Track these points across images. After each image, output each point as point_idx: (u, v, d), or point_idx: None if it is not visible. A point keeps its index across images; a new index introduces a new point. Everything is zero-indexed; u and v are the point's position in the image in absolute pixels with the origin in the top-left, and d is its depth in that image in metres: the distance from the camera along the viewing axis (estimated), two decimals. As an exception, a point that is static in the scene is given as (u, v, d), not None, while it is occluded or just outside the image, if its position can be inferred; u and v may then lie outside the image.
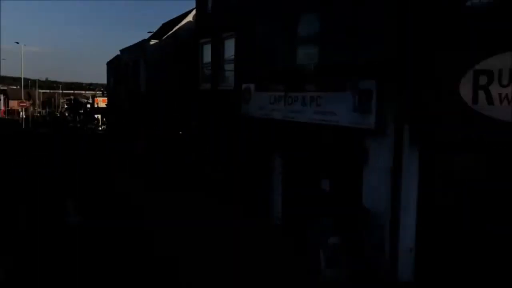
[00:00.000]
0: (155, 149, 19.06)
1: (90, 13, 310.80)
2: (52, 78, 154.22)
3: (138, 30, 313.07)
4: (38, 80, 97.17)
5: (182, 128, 19.00)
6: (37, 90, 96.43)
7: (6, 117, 67.52)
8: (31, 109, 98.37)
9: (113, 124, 32.69)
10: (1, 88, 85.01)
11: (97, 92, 79.65)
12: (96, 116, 56.50)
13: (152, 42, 22.40)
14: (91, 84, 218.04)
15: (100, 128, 49.78)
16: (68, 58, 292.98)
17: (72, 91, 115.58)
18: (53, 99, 66.30)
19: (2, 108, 68.14)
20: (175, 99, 19.96)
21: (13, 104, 78.64)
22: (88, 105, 63.88)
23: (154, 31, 27.40)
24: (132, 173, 17.72)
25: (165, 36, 22.68)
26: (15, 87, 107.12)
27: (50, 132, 41.82)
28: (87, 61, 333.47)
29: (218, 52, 14.46)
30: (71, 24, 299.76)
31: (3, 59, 57.84)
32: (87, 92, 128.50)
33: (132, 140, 22.19)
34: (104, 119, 47.93)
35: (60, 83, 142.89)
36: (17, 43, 79.82)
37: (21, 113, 52.78)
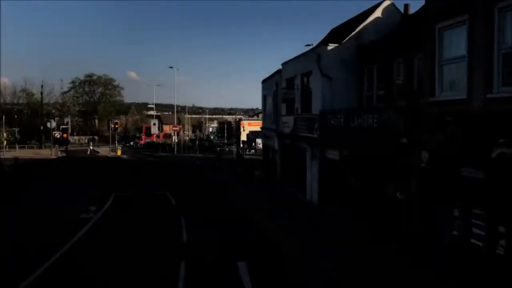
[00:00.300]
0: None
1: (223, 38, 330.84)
2: (197, 104, 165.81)
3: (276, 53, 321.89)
4: (186, 106, 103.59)
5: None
6: (186, 116, 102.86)
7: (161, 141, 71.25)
8: (181, 132, 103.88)
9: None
10: (156, 114, 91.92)
11: (241, 116, 79.80)
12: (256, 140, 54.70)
13: (330, 46, 17.34)
14: (231, 109, 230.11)
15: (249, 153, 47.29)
16: (210, 84, 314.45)
17: (215, 116, 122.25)
18: (201, 123, 67.43)
19: (157, 132, 72.06)
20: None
21: (166, 128, 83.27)
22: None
23: (314, 44, 22.50)
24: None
25: (347, 38, 17.43)
26: (167, 113, 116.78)
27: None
28: (228, 87, 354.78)
29: (487, 36, 8.47)
30: (211, 53, 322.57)
31: (158, 85, 60.56)
32: (227, 116, 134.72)
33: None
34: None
35: (206, 108, 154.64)
36: (171, 67, 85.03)
37: (173, 137, 53.58)
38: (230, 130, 53.95)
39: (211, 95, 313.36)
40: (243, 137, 67.27)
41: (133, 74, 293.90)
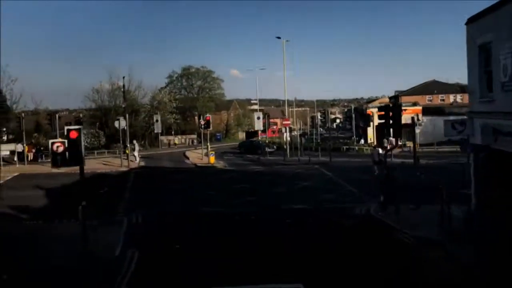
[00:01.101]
0: None
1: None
2: (298, 97, 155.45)
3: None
4: (288, 100, 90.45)
5: None
6: (291, 108, 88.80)
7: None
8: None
9: None
10: (260, 108, 79.50)
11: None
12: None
13: None
14: (334, 100, 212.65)
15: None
16: (310, 77, 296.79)
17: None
18: (325, 112, 51.62)
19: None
20: None
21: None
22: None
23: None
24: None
25: None
26: (270, 107, 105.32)
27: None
28: (329, 79, 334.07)
29: None
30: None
31: (261, 68, 46.45)
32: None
33: None
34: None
35: (308, 101, 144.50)
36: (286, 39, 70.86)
37: (285, 134, 38.62)
38: (366, 120, 37.82)
39: (312, 88, 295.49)
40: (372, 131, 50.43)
41: (235, 72, 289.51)
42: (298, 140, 35.95)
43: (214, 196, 20.07)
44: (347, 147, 44.22)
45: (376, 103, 79.24)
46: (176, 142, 71.90)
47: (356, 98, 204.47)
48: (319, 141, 38.50)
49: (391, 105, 17.42)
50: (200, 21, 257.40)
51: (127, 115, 33.86)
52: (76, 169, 29.79)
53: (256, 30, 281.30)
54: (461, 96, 76.76)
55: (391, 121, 16.94)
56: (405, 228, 13.39)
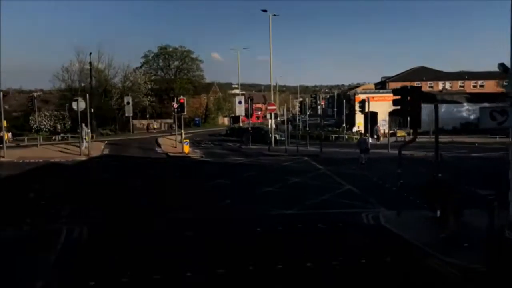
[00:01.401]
0: None
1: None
2: (280, 83, 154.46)
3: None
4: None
5: None
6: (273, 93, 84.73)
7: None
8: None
9: None
10: (242, 92, 75.47)
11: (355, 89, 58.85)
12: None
13: None
14: (315, 86, 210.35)
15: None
16: (291, 63, 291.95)
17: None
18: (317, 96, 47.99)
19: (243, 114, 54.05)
20: None
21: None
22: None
23: None
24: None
25: None
26: (251, 92, 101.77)
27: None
28: (310, 65, 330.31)
29: None
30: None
31: (244, 48, 42.30)
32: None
33: None
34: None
35: (289, 87, 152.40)
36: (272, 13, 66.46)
37: (270, 121, 34.81)
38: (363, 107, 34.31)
39: (292, 74, 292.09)
40: (360, 119, 47.08)
41: (216, 55, 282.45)
42: (285, 127, 32.30)
43: (181, 198, 16.24)
44: (336, 135, 40.76)
45: (360, 89, 76.26)
46: (155, 126, 67.31)
47: (337, 85, 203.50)
48: (307, 128, 34.82)
49: (408, 87, 13.68)
50: (179, 1, 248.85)
51: (87, 96, 29.36)
52: (25, 157, 25.51)
53: (237, 11, 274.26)
54: (450, 83, 74.46)
55: (409, 107, 13.39)
56: (437, 252, 9.89)
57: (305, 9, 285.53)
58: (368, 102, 29.04)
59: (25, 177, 19.42)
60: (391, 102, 43.25)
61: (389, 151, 29.03)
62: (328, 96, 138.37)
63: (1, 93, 24.66)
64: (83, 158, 25.99)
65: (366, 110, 29.60)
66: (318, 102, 37.73)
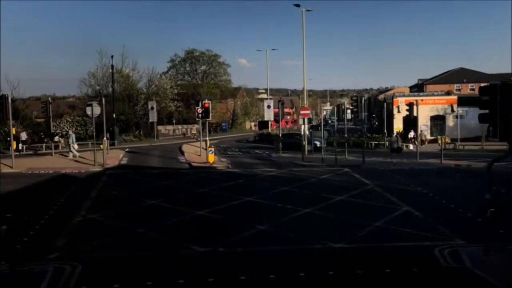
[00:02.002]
0: None
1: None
2: (307, 87, 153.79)
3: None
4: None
5: None
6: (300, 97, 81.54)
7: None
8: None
9: None
10: (270, 97, 72.45)
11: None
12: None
13: None
14: (342, 91, 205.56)
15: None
16: (318, 67, 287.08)
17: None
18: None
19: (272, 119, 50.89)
20: None
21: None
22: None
23: None
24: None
25: None
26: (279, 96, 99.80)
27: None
28: (337, 69, 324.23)
29: None
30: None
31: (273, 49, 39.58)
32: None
33: None
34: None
35: (316, 91, 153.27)
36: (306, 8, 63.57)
37: (303, 126, 31.56)
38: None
39: (318, 79, 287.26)
40: (398, 123, 43.23)
41: (243, 61, 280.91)
42: (321, 133, 29.06)
43: (203, 222, 13.31)
44: (376, 142, 37.12)
45: (396, 93, 71.98)
46: (194, 132, 64.65)
47: (366, 89, 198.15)
48: (345, 135, 31.35)
49: (499, 83, 10.27)
50: (206, 8, 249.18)
51: (103, 100, 27.01)
52: (35, 167, 23.26)
53: (263, 15, 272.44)
54: (494, 85, 69.25)
55: (499, 110, 9.99)
56: None
57: (330, 13, 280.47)
58: (417, 105, 25.49)
59: (20, 196, 16.96)
60: (432, 105, 40.26)
61: (442, 161, 25.32)
62: (360, 99, 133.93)
63: (10, 99, 22.48)
64: (97, 169, 23.47)
65: (415, 113, 26.00)
66: (360, 105, 33.98)
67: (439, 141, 35.16)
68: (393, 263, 9.57)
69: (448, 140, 39.12)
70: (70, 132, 27.77)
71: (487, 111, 10.17)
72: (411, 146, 37.18)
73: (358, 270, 9.07)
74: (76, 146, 28.32)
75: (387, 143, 36.63)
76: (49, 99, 30.63)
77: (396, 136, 30.23)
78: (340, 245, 10.91)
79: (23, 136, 37.13)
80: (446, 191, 17.39)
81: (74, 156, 27.66)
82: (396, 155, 25.85)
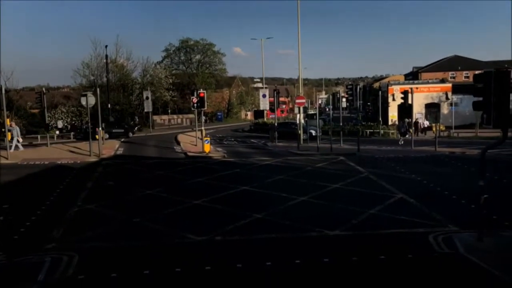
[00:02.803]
0: None
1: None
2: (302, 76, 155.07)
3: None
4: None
5: None
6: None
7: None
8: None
9: None
10: (265, 86, 72.17)
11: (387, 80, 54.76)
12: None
13: None
14: (338, 79, 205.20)
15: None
16: (313, 56, 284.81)
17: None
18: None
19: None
20: None
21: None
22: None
23: None
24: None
25: None
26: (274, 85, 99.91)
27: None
28: (332, 58, 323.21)
29: None
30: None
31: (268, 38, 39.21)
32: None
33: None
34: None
35: (311, 80, 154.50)
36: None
37: (298, 115, 31.51)
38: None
39: (313, 67, 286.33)
40: (393, 111, 43.30)
41: (238, 50, 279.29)
42: (317, 122, 29.06)
43: (199, 211, 13.39)
44: (371, 131, 37.21)
45: (385, 82, 71.98)
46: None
47: (361, 77, 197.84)
48: (341, 124, 31.34)
49: (493, 71, 10.30)
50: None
51: (97, 90, 26.85)
52: (30, 158, 23.21)
53: (257, 4, 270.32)
54: (489, 72, 69.43)
55: (493, 98, 10.05)
56: None
57: (325, 2, 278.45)
58: (412, 93, 25.55)
59: (16, 187, 16.95)
60: (427, 93, 40.57)
61: (436, 148, 25.49)
62: (356, 87, 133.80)
63: (3, 90, 22.30)
64: (93, 159, 23.46)
65: (409, 101, 26.08)
66: (356, 93, 33.65)
67: (434, 129, 35.30)
68: (388, 250, 9.70)
69: (442, 127, 39.29)
70: (13, 125, 26.48)
71: (481, 98, 10.24)
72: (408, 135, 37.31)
73: (353, 257, 9.19)
74: (20, 140, 26.93)
75: (381, 131, 36.76)
76: (43, 89, 30.37)
77: (402, 122, 32.45)
78: (336, 232, 11.03)
79: (60, 124, 37.73)
80: (441, 178, 17.53)
81: (18, 148, 26.38)
82: (403, 138, 31.22)
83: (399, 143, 30.37)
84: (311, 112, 53.17)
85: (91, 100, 23.91)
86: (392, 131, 38.08)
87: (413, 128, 35.42)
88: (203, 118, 69.47)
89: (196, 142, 30.00)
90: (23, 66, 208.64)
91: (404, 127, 31.98)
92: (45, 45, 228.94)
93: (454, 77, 69.77)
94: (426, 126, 38.31)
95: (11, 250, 9.54)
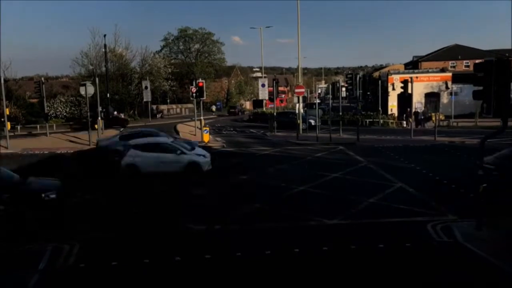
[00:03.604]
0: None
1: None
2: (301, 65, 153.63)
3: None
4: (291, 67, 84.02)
5: None
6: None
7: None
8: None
9: None
10: (264, 76, 71.98)
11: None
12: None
13: None
14: (338, 68, 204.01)
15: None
16: (312, 45, 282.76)
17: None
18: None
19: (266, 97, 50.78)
20: None
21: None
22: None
23: None
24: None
25: None
26: (273, 75, 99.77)
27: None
28: (331, 47, 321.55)
29: None
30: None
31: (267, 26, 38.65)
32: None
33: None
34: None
35: (309, 69, 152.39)
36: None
37: (298, 105, 31.40)
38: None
39: (313, 56, 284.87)
40: (393, 101, 43.20)
41: (236, 38, 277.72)
42: (316, 111, 29.00)
43: (200, 200, 13.44)
44: (370, 120, 37.17)
45: (391, 70, 71.71)
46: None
47: (361, 66, 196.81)
48: (340, 113, 31.19)
49: (494, 60, 10.24)
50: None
51: (96, 80, 26.73)
52: (30, 147, 23.21)
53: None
54: (490, 61, 69.02)
55: (494, 87, 10.01)
56: None
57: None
58: (412, 83, 25.45)
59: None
60: (426, 83, 40.36)
61: (436, 138, 25.51)
62: (356, 76, 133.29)
63: (2, 80, 22.20)
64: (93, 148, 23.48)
65: (409, 91, 25.99)
66: (356, 82, 33.08)
67: (433, 118, 35.25)
68: (386, 238, 9.76)
69: (442, 117, 39.23)
70: None
71: (481, 87, 10.21)
72: (404, 124, 37.25)
73: (352, 245, 9.25)
74: None
75: (381, 120, 36.71)
76: (42, 79, 30.22)
77: (418, 111, 33.85)
78: (335, 221, 11.08)
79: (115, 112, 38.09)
80: (440, 168, 17.57)
81: None
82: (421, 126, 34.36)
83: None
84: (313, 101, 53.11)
85: (90, 89, 23.85)
86: (392, 121, 38.05)
87: (413, 118, 35.30)
88: (214, 107, 70.36)
89: (196, 132, 29.98)
90: (21, 55, 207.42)
91: (422, 115, 33.93)
92: (44, 35, 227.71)
93: (454, 66, 69.43)
94: (423, 117, 37.66)
95: (13, 239, 9.60)
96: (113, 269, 8.27)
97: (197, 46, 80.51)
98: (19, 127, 35.10)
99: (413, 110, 36.05)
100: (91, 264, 8.47)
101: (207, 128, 27.02)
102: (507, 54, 71.03)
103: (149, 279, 7.80)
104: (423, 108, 32.02)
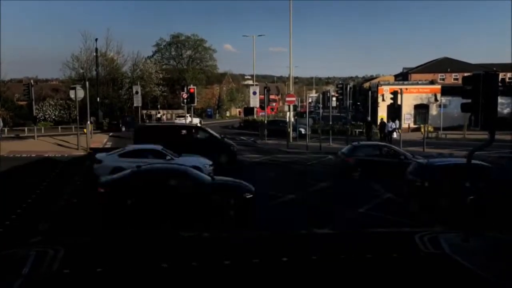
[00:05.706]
0: None
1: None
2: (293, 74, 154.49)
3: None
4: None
5: None
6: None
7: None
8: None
9: None
10: (256, 84, 71.99)
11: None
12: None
13: None
14: (328, 78, 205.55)
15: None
16: (304, 54, 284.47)
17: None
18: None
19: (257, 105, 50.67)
20: None
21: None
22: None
23: None
24: None
25: None
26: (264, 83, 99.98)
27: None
28: (323, 57, 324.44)
29: None
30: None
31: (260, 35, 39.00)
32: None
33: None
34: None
35: (302, 78, 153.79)
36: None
37: (288, 113, 31.50)
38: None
39: (304, 66, 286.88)
40: (382, 111, 43.57)
41: (228, 46, 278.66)
42: (306, 120, 29.13)
43: (177, 208, 13.32)
44: (360, 130, 37.39)
45: (381, 81, 72.45)
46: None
47: (351, 77, 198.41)
48: (330, 123, 31.28)
49: (482, 74, 10.40)
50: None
51: (87, 83, 26.56)
52: (17, 151, 22.89)
53: (250, 2, 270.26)
54: (478, 75, 70.19)
55: (482, 100, 10.13)
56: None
57: (317, 1, 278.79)
58: (401, 94, 25.71)
59: (1, 179, 16.74)
60: (416, 94, 40.48)
61: (424, 149, 25.74)
62: (345, 86, 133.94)
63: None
64: (81, 153, 23.24)
65: (399, 102, 26.23)
66: (346, 92, 33.30)
67: (422, 130, 35.51)
68: (374, 248, 9.77)
69: (431, 128, 39.61)
70: None
71: (469, 100, 10.35)
72: (394, 135, 37.41)
73: (341, 255, 9.24)
74: None
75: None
76: (31, 81, 29.94)
77: (385, 122, 32.23)
78: (324, 231, 11.08)
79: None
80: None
81: None
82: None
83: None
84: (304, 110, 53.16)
85: (80, 93, 23.67)
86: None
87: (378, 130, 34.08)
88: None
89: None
90: (10, 57, 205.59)
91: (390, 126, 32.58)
92: (34, 37, 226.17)
93: (443, 79, 70.45)
94: (391, 129, 34.63)
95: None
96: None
97: (189, 52, 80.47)
98: (6, 130, 34.65)
99: (380, 121, 35.40)
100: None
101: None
102: (494, 68, 72.35)
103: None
104: (396, 120, 31.03)
